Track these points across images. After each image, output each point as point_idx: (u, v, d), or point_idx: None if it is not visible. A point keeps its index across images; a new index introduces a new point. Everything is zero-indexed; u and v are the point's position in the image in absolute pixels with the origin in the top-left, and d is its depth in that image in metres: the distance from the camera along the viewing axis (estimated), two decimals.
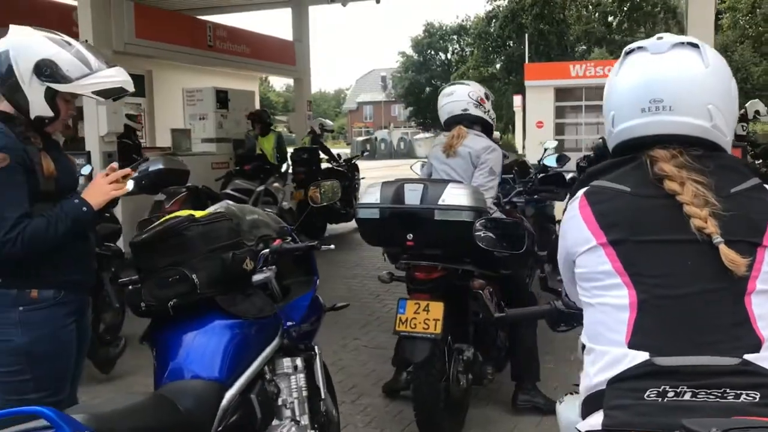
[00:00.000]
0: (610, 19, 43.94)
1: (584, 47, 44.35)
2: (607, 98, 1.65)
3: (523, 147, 29.06)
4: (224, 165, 10.60)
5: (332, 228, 11.23)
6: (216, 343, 2.44)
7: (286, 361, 2.75)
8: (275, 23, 14.16)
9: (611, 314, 1.47)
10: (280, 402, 2.68)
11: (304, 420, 2.71)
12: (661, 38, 1.62)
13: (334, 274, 8.08)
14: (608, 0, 43.33)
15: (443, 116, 4.19)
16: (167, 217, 2.57)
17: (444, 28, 56.41)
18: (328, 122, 12.58)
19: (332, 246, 2.89)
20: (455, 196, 3.30)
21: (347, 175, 11.25)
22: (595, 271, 1.51)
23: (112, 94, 2.48)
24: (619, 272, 1.47)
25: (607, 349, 1.45)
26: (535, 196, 4.80)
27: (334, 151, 12.19)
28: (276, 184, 9.57)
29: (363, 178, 11.84)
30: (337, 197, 3.17)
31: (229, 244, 2.55)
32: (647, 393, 1.36)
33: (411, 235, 3.35)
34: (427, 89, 54.54)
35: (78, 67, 2.40)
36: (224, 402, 2.31)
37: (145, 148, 10.77)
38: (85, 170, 8.01)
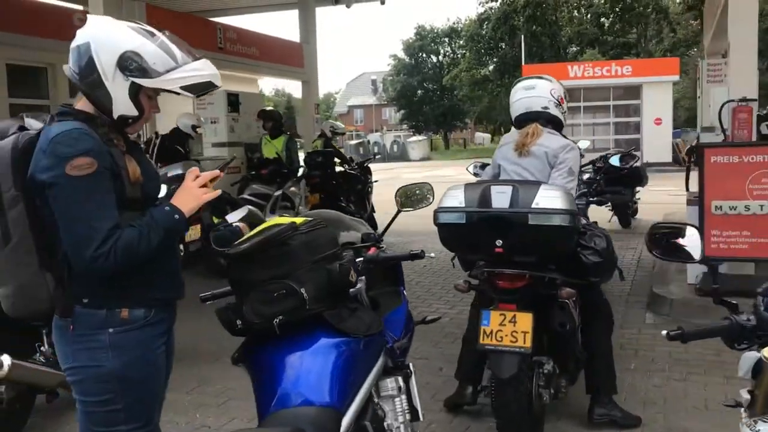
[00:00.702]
0: (602, 20, 43.97)
1: (577, 48, 44.40)
2: None
3: None
4: (236, 169, 10.34)
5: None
6: (325, 364, 2.20)
7: (390, 382, 2.52)
8: (278, 25, 13.82)
9: None
10: (385, 427, 2.45)
11: None
12: None
13: None
14: (600, 1, 43.40)
15: (518, 110, 3.90)
16: (264, 225, 2.33)
17: (435, 30, 56.36)
18: (339, 124, 12.33)
19: (432, 254, 2.66)
20: (549, 198, 3.06)
21: (360, 177, 11.02)
22: None
23: (201, 89, 2.23)
24: None
25: None
26: (599, 198, 4.58)
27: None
28: (293, 189, 9.33)
29: (376, 181, 11.61)
30: (428, 202, 2.94)
31: (331, 253, 2.32)
32: None
33: (500, 241, 3.11)
34: (419, 92, 54.47)
35: (164, 60, 2.15)
36: (342, 430, 2.08)
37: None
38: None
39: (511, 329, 3.20)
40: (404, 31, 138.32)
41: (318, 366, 2.20)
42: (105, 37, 2.11)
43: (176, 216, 2.14)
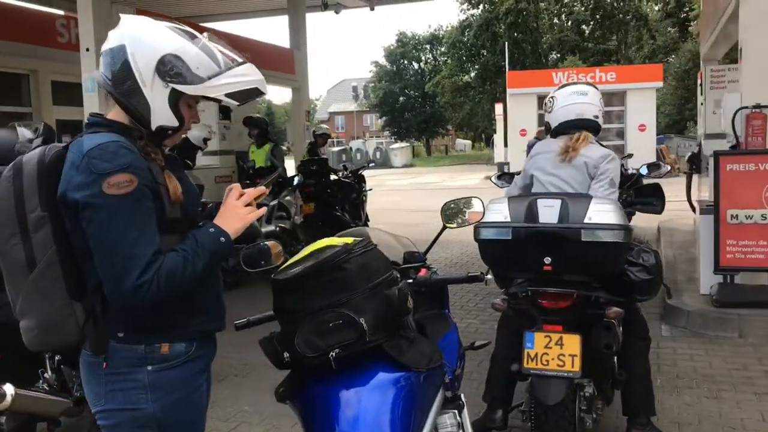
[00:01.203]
0: (583, 27, 44.23)
1: (558, 55, 44.59)
2: None
3: (505, 156, 29.03)
4: (227, 178, 10.06)
5: None
6: (384, 401, 1.99)
7: (448, 418, 2.31)
8: (266, 31, 13.56)
9: None
10: None
11: None
12: None
13: None
14: (581, 9, 43.66)
15: (565, 116, 3.64)
16: (314, 247, 2.11)
17: (417, 37, 56.34)
18: (322, 126, 12.04)
19: (490, 276, 2.45)
20: (602, 213, 2.86)
21: (355, 186, 10.80)
22: None
23: (247, 96, 2.00)
24: None
25: None
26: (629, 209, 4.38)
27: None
28: (288, 198, 9.06)
29: (370, 189, 11.39)
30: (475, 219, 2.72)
31: (387, 278, 2.10)
32: None
33: (549, 259, 2.91)
34: (401, 99, 54.38)
35: (207, 65, 1.92)
36: None
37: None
38: None
39: (557, 352, 3.01)
40: (386, 38, 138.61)
41: (377, 404, 1.98)
42: (142, 38, 1.88)
43: (222, 239, 1.91)
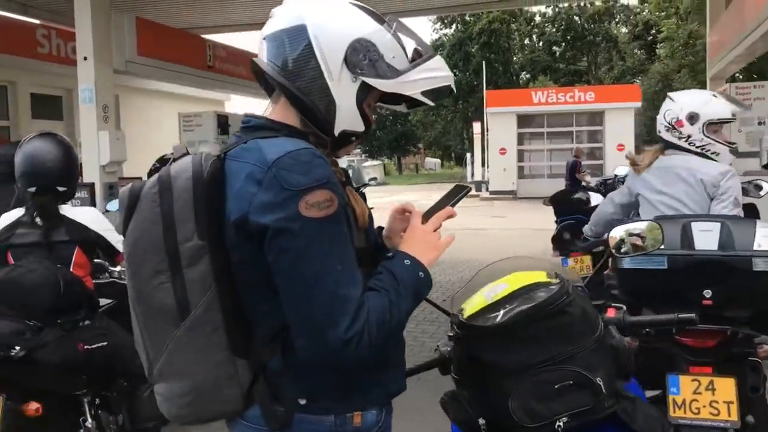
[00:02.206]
0: (554, 48, 44.69)
1: (529, 75, 44.92)
2: None
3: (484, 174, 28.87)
4: None
5: None
6: None
7: None
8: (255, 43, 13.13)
9: None
10: None
11: None
12: None
13: None
14: (552, 29, 44.13)
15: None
16: (519, 283, 1.68)
17: None
18: None
19: (693, 315, 2.04)
20: None
21: None
22: None
23: (440, 95, 1.59)
24: None
25: None
26: None
27: None
28: None
29: (372, 208, 10.93)
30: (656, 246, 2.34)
31: (605, 325, 1.70)
32: None
33: (709, 292, 2.53)
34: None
35: (400, 55, 1.51)
36: None
37: None
38: (112, 206, 6.92)
39: (709, 398, 2.61)
40: None
41: None
42: (328, 17, 1.45)
43: (421, 273, 1.48)
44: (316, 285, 1.31)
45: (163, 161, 7.70)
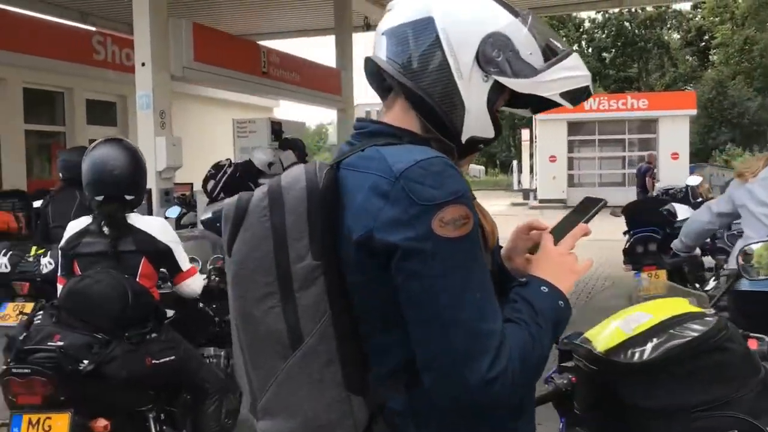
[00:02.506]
0: (603, 54, 43.92)
1: None
2: None
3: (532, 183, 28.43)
4: None
5: None
6: None
7: None
8: (307, 50, 13.08)
9: None
10: None
11: None
12: None
13: None
14: (602, 35, 43.39)
15: None
16: (663, 311, 1.47)
17: None
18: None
19: None
20: None
21: None
22: None
23: (579, 96, 1.39)
24: None
25: None
26: None
27: None
28: None
29: None
30: None
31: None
32: None
33: None
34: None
35: (536, 52, 1.32)
36: None
37: None
38: (172, 212, 6.87)
39: None
40: None
41: None
42: (459, 9, 1.27)
43: (561, 302, 1.27)
44: (453, 316, 1.13)
45: (218, 168, 7.61)
